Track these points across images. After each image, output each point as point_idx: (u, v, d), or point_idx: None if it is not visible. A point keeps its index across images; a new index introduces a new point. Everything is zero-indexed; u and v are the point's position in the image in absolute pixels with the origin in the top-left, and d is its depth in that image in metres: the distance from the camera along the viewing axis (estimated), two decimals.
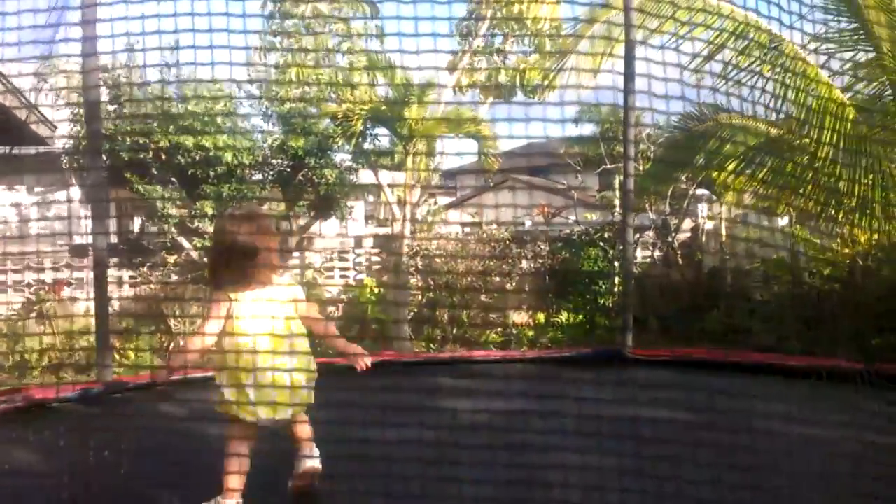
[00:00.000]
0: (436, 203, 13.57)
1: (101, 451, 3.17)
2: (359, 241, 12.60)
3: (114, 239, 11.28)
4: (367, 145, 11.06)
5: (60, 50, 4.44)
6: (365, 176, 11.87)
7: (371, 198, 14.99)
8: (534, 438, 2.68)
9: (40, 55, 4.44)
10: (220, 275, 2.77)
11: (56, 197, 12.10)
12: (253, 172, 10.93)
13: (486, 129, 10.32)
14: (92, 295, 4.59)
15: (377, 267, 11.83)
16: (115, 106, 9.74)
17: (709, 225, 11.87)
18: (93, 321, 4.57)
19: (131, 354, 7.12)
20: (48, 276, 11.15)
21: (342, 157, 11.03)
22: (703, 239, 11.73)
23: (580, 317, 9.90)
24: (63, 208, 11.41)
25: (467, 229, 12.26)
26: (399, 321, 9.58)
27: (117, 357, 6.37)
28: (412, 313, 10.38)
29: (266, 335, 2.70)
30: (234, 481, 2.67)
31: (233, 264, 2.73)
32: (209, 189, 10.07)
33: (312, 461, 2.81)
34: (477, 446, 2.55)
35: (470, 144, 11.34)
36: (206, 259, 2.46)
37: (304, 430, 2.85)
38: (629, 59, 4.82)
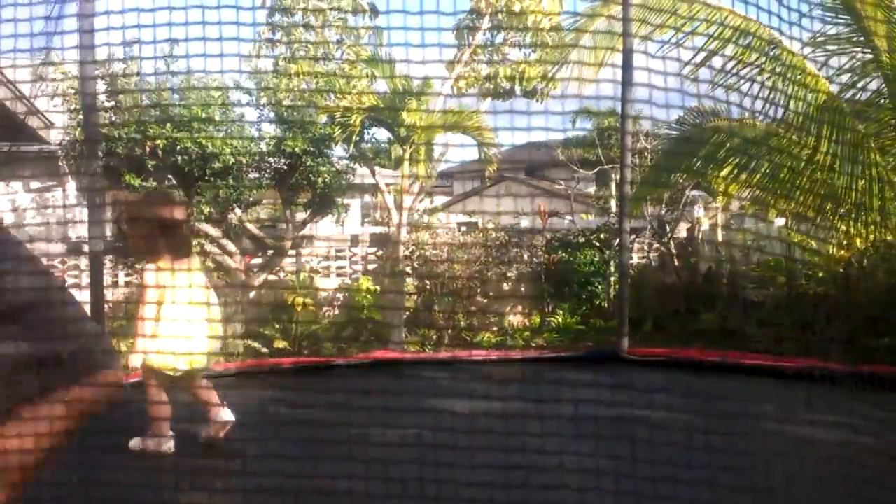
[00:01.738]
0: (432, 202, 13.54)
1: (90, 448, 3.16)
2: (355, 241, 12.57)
3: (109, 237, 11.22)
4: (364, 145, 11.03)
5: (58, 49, 4.43)
6: (362, 175, 11.84)
7: (367, 197, 14.97)
8: (529, 439, 2.68)
9: (37, 54, 4.43)
10: (155, 246, 3.09)
11: (52, 194, 12.05)
12: (249, 170, 10.87)
13: (483, 130, 10.31)
14: (87, 293, 4.60)
15: (373, 266, 11.82)
16: (112, 104, 9.70)
17: (705, 226, 11.90)
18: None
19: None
20: None
21: (339, 155, 10.98)
22: (699, 240, 11.75)
23: (576, 318, 9.89)
24: (59, 206, 11.36)
25: (463, 229, 12.25)
26: (394, 321, 9.57)
27: None
28: (407, 313, 10.37)
29: (186, 303, 3.02)
30: (161, 424, 3.12)
31: (167, 236, 3.09)
32: (205, 187, 10.02)
33: (226, 415, 3.16)
34: (472, 447, 2.56)
35: (467, 144, 11.34)
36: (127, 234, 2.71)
37: (211, 395, 3.21)
38: (626, 65, 4.84)
